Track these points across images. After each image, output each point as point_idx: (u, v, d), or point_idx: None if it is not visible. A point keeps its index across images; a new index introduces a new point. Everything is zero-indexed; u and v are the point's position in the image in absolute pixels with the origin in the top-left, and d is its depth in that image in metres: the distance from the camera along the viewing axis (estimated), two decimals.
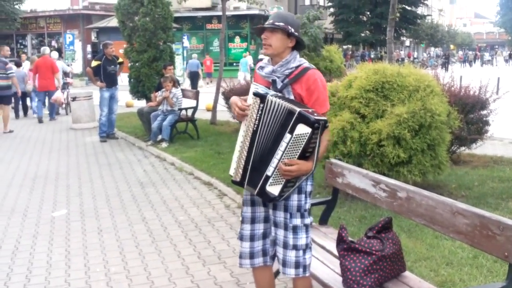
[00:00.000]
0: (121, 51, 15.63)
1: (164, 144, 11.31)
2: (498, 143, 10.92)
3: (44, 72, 16.26)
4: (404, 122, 6.27)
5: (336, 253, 3.67)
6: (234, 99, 3.39)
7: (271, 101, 3.15)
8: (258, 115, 3.16)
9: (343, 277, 3.45)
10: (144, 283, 4.80)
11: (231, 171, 3.36)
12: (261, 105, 3.16)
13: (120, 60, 12.94)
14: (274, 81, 3.33)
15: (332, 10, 48.22)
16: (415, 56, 71.77)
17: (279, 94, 3.25)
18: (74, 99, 14.91)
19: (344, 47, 49.33)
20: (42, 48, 18.61)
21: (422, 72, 7.13)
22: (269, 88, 3.29)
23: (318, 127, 3.06)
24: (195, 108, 12.50)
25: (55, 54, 20.35)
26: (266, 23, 3.32)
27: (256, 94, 3.20)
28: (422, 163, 6.44)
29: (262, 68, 3.41)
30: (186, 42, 32.01)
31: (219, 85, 14.11)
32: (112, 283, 4.83)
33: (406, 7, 45.45)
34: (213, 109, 14.37)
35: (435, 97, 6.59)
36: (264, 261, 3.52)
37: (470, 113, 8.51)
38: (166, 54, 13.80)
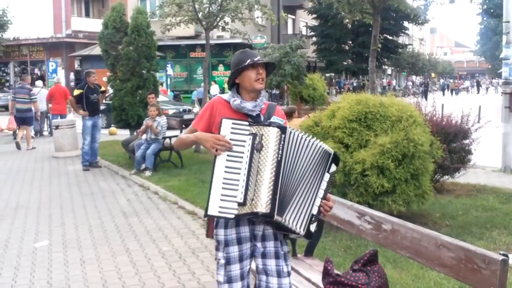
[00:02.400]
0: (104, 79, 15.63)
1: (147, 173, 11.24)
2: (480, 171, 11.01)
3: (58, 98, 17.64)
4: (387, 152, 6.31)
5: (322, 286, 3.65)
6: (207, 134, 3.31)
7: (294, 134, 3.16)
8: (281, 145, 3.08)
9: None
10: None
11: (213, 211, 3.05)
12: (283, 136, 3.10)
13: (103, 88, 12.89)
14: (258, 115, 3.35)
15: (314, 39, 48.68)
16: (395, 84, 72.50)
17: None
18: (57, 127, 14.81)
19: (327, 75, 49.74)
20: (55, 78, 20.28)
21: (405, 102, 7.20)
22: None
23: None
24: None
25: (39, 83, 20.66)
26: (258, 59, 3.32)
27: (273, 125, 3.13)
28: (406, 192, 6.47)
29: (240, 102, 3.33)
30: (169, 70, 32.18)
31: None
32: None
33: (388, 36, 46.13)
34: None
35: (418, 127, 6.65)
36: None
37: (453, 142, 8.59)
38: (150, 83, 13.81)
